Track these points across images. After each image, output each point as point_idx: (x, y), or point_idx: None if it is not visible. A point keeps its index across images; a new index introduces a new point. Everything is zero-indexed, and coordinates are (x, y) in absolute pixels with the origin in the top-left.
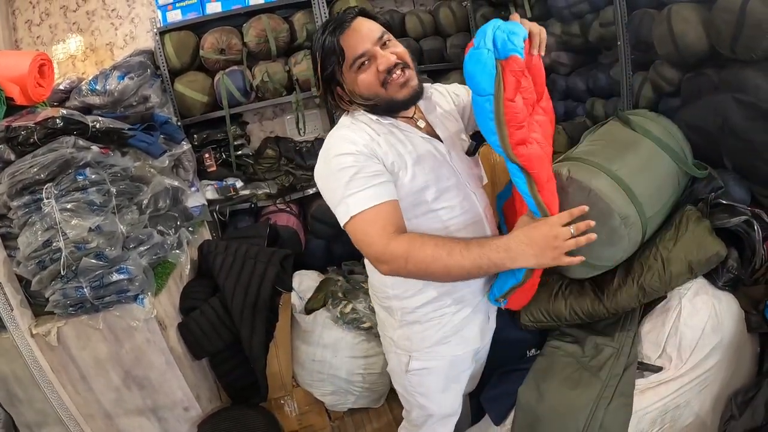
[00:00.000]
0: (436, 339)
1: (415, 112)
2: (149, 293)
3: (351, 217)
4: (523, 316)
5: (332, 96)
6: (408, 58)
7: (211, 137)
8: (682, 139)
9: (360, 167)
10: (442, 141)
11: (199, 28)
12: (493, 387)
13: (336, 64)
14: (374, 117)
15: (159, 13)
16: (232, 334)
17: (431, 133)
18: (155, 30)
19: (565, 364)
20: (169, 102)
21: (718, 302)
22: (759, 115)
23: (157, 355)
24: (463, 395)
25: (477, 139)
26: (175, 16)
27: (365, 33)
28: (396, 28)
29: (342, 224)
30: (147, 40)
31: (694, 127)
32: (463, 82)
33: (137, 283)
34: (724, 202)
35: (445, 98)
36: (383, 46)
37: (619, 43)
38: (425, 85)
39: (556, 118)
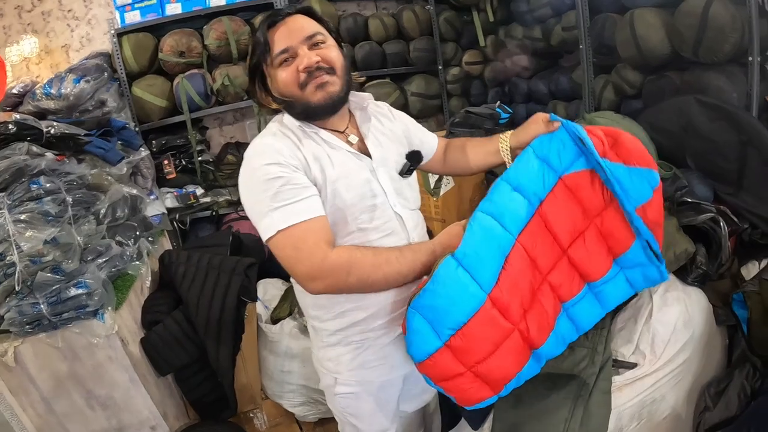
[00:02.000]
0: (359, 363)
1: (347, 127)
2: (109, 308)
3: (278, 232)
4: None
5: (259, 90)
6: (337, 64)
7: (171, 143)
8: (646, 140)
9: (288, 179)
10: (371, 158)
11: (158, 29)
12: None
13: (262, 57)
14: (299, 123)
15: (117, 14)
16: (197, 348)
17: (362, 149)
18: (113, 31)
19: None
20: (127, 107)
21: (688, 298)
22: (721, 116)
23: (120, 373)
24: (425, 405)
25: (412, 160)
26: (133, 17)
27: (294, 29)
28: (359, 31)
29: (265, 239)
30: (104, 43)
31: (657, 128)
32: (426, 84)
33: (96, 298)
34: (689, 200)
35: (387, 116)
36: (313, 46)
37: (581, 46)
38: (363, 95)
39: (518, 121)
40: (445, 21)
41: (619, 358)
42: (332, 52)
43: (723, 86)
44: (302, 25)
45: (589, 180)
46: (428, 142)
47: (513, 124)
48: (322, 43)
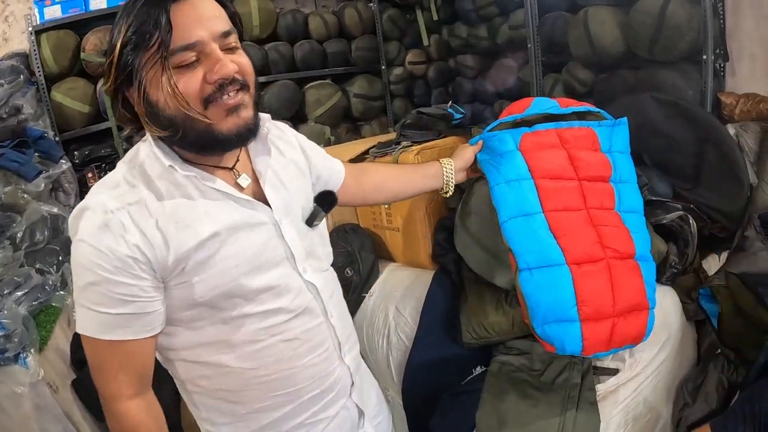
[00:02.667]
0: None
1: (237, 160)
2: (32, 350)
3: (82, 331)
4: (465, 334)
5: (124, 100)
6: (251, 79)
7: (95, 153)
8: None
9: (102, 279)
10: (270, 206)
11: (81, 26)
12: (443, 414)
13: (145, 46)
14: (168, 163)
15: (35, 10)
16: None
17: (257, 194)
18: (30, 29)
19: (518, 380)
20: (45, 113)
21: (664, 298)
22: (678, 113)
23: (51, 424)
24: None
25: (324, 203)
26: (53, 12)
27: (208, 16)
28: (299, 29)
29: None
30: (23, 42)
31: None
32: (368, 85)
33: (16, 340)
34: (654, 198)
35: (290, 142)
36: (226, 50)
37: (529, 45)
38: (262, 116)
39: (465, 121)
40: (389, 19)
41: (599, 365)
42: (245, 60)
43: (678, 84)
44: (216, 12)
45: (533, 135)
46: (337, 171)
47: (462, 125)
48: (235, 47)
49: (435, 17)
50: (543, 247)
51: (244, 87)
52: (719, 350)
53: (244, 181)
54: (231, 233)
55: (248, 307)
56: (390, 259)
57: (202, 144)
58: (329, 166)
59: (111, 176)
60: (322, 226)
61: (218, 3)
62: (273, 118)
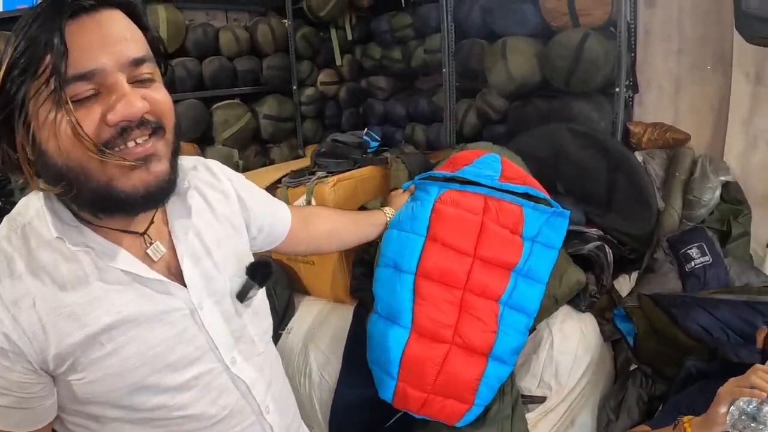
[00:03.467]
0: None
1: (152, 222)
2: None
3: None
4: None
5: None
6: (168, 121)
7: None
8: (525, 167)
9: None
10: (186, 285)
11: None
12: None
13: (33, 72)
14: (56, 233)
15: None
16: None
17: (173, 267)
18: None
19: None
20: None
21: (584, 325)
22: (591, 143)
23: None
24: None
25: (257, 276)
26: None
27: (115, 38)
28: (209, 44)
29: None
30: None
31: (528, 154)
32: (278, 105)
33: None
34: (573, 229)
35: (223, 191)
36: (137, 82)
37: (444, 70)
38: (182, 164)
39: (380, 142)
40: (302, 37)
41: (527, 393)
42: (162, 95)
43: (592, 115)
44: (126, 34)
45: (458, 194)
46: (282, 219)
47: (378, 152)
48: (150, 80)
49: (349, 37)
50: (397, 305)
51: (157, 131)
52: (635, 366)
53: (156, 252)
54: (132, 326)
55: (161, 411)
56: (305, 292)
57: (100, 205)
58: (272, 213)
59: None
60: (259, 299)
61: (134, 23)
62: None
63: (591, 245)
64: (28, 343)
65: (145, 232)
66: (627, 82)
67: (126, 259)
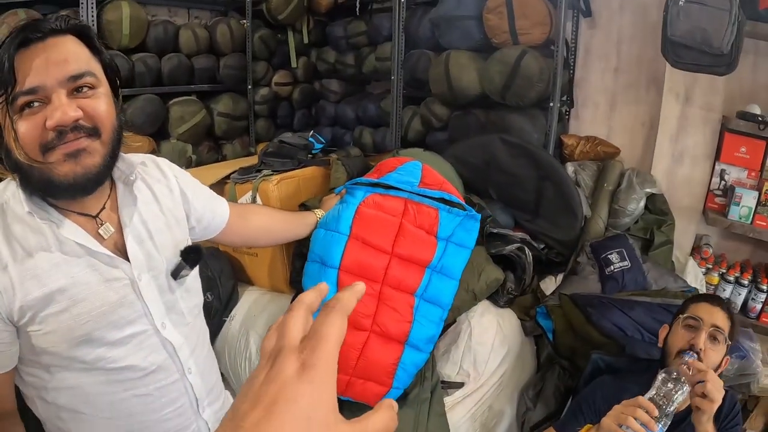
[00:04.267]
0: None
1: (104, 208)
2: None
3: None
4: None
5: None
6: (104, 124)
7: None
8: (452, 173)
9: None
10: (129, 260)
11: None
12: None
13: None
14: (27, 208)
15: None
16: None
17: (120, 245)
18: None
19: None
20: None
21: (502, 319)
22: (522, 153)
23: None
24: None
25: (189, 259)
26: None
27: (55, 60)
28: (168, 41)
29: None
30: None
31: (463, 161)
32: (233, 104)
33: None
34: (495, 231)
35: (169, 186)
36: (76, 91)
37: (393, 77)
38: (132, 160)
39: (326, 144)
40: (260, 39)
41: (446, 380)
42: (100, 105)
43: (525, 127)
44: (68, 55)
45: (380, 198)
46: (220, 213)
47: (327, 152)
48: (90, 88)
49: (306, 40)
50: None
51: (92, 132)
52: (555, 361)
53: (106, 231)
54: (83, 289)
55: (101, 362)
56: (249, 283)
57: (44, 189)
58: (211, 209)
59: None
60: (191, 280)
61: (79, 37)
62: (135, 133)
63: (512, 246)
64: (0, 298)
65: (97, 215)
66: (564, 98)
67: (80, 235)
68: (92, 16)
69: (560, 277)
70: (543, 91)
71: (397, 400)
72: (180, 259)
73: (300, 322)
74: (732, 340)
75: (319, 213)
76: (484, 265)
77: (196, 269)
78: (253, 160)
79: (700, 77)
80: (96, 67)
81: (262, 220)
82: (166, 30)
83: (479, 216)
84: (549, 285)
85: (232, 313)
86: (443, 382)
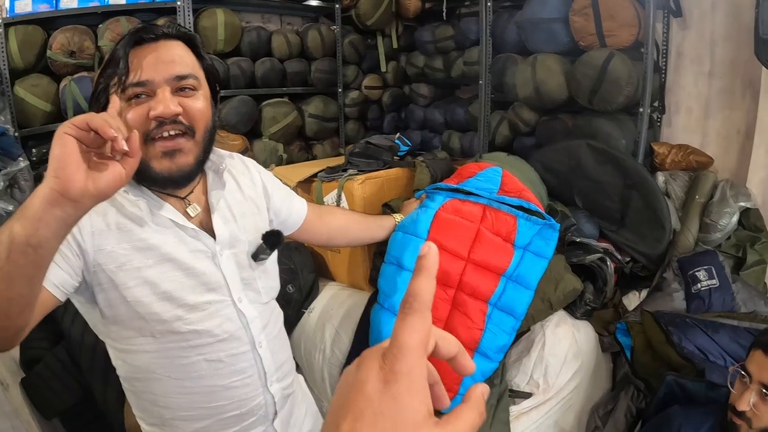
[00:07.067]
0: None
1: (192, 192)
2: None
3: None
4: None
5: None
6: (200, 124)
7: None
8: (536, 178)
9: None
10: (215, 237)
11: (49, 24)
12: None
13: (111, 79)
14: (126, 187)
15: (6, 1)
16: (82, 388)
17: (205, 223)
18: (0, 20)
19: None
20: (7, 107)
21: (577, 331)
22: (609, 160)
23: (1, 420)
24: None
25: (270, 242)
26: (24, 6)
27: (164, 60)
28: (262, 46)
29: None
30: None
31: (548, 167)
32: (324, 106)
33: None
34: (577, 240)
35: (252, 179)
36: (179, 90)
37: (481, 81)
38: (222, 154)
39: (414, 147)
40: (350, 44)
41: (515, 388)
42: (198, 105)
43: (612, 133)
44: (176, 57)
45: (459, 203)
46: (297, 210)
47: (415, 155)
48: (191, 89)
49: (395, 45)
50: (397, 298)
51: (188, 132)
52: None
53: (194, 210)
54: (170, 251)
55: (177, 322)
56: (330, 278)
57: (140, 176)
58: (288, 205)
59: None
60: (270, 264)
61: (189, 48)
62: (229, 132)
63: (593, 256)
64: (89, 236)
65: (185, 197)
66: (655, 104)
67: (170, 211)
68: (189, 23)
69: (644, 292)
70: (632, 96)
71: None
72: (261, 242)
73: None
74: None
75: (398, 217)
76: (562, 274)
77: (275, 255)
78: (340, 160)
79: None
80: (199, 72)
81: (340, 221)
82: (259, 35)
83: (558, 225)
84: (632, 300)
85: (312, 305)
86: (511, 390)
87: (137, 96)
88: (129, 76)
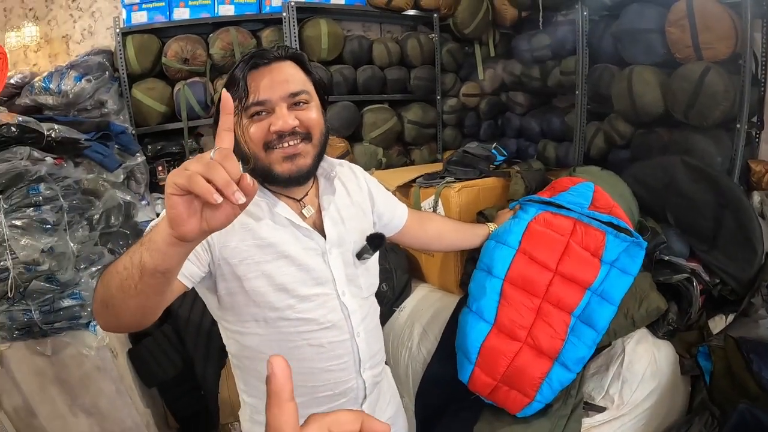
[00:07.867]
0: None
1: (306, 195)
2: None
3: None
4: None
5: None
6: (315, 131)
7: (166, 149)
8: (628, 193)
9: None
10: (325, 237)
11: (163, 33)
12: (448, 424)
13: (236, 99)
14: None
15: (123, 12)
16: (184, 362)
17: (317, 224)
18: (118, 30)
19: None
20: (125, 108)
21: (658, 351)
22: (703, 178)
23: (107, 384)
24: None
25: (373, 244)
26: (140, 17)
27: (278, 80)
28: (363, 54)
29: None
30: (106, 38)
31: (641, 182)
32: (423, 113)
33: (89, 309)
34: (666, 258)
35: (359, 186)
36: (294, 105)
37: (577, 92)
38: (333, 161)
39: (510, 155)
40: (448, 52)
41: (590, 401)
42: (312, 115)
43: (708, 149)
44: (288, 77)
45: (551, 216)
46: (399, 215)
47: (510, 163)
48: (304, 102)
49: (492, 53)
50: (485, 303)
51: (306, 138)
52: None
53: (308, 211)
54: (286, 248)
55: (289, 311)
56: (422, 279)
57: (264, 177)
58: (391, 210)
59: None
60: (372, 262)
61: (300, 66)
62: (331, 135)
63: (680, 276)
64: (217, 234)
65: (301, 199)
66: (754, 120)
67: (288, 211)
68: (294, 33)
69: (731, 317)
70: (728, 111)
71: (538, 412)
72: (365, 243)
73: None
74: None
75: (492, 226)
76: (647, 292)
77: (377, 255)
78: (438, 167)
79: None
80: (309, 86)
81: (437, 227)
82: (360, 44)
83: (645, 244)
84: (718, 324)
85: (403, 304)
86: (586, 402)
87: (258, 113)
88: (249, 98)
